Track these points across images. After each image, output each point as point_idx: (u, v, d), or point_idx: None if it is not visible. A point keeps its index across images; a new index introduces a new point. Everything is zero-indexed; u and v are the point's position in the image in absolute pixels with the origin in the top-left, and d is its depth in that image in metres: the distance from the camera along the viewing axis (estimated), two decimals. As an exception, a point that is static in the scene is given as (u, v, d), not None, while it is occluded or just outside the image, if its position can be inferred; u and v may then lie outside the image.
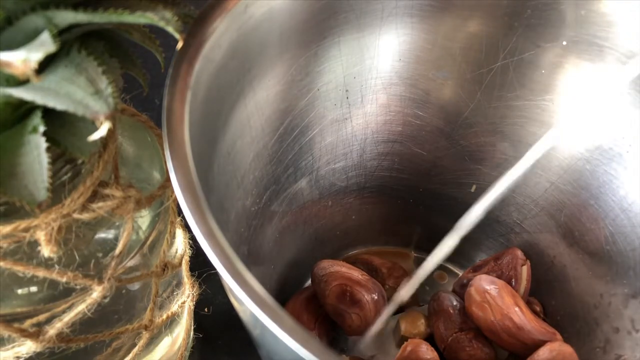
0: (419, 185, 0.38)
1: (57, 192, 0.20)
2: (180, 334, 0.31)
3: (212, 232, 0.19)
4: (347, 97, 0.34)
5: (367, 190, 0.38)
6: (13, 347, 0.22)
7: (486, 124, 0.35)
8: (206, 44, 0.23)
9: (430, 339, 0.34)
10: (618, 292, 0.33)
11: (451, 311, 0.34)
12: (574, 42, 0.31)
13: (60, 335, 0.22)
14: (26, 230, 0.19)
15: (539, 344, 0.32)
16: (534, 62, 0.33)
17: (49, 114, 0.18)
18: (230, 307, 0.25)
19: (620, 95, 0.31)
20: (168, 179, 0.22)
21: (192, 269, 0.29)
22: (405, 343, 0.33)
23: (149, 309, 0.26)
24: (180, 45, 0.23)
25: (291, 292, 0.37)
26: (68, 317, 0.22)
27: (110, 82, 0.17)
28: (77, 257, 0.22)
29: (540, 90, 0.33)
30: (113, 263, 0.22)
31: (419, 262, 0.40)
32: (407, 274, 0.38)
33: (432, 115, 0.35)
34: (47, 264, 0.21)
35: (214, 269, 0.19)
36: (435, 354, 0.32)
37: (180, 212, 0.21)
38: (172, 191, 0.24)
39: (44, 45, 0.16)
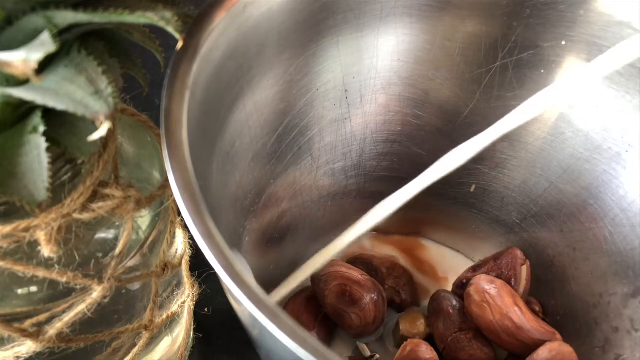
0: (418, 185, 0.38)
1: (57, 192, 0.20)
2: (180, 334, 0.31)
3: (211, 232, 0.19)
4: (346, 97, 0.34)
5: (367, 190, 0.38)
6: (13, 347, 0.22)
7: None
8: (205, 44, 0.23)
9: (429, 339, 0.34)
10: (617, 292, 0.33)
11: (451, 311, 0.34)
12: (573, 42, 0.31)
13: (60, 335, 0.22)
14: (26, 230, 0.19)
15: (539, 344, 0.32)
16: (534, 62, 0.33)
17: (49, 114, 0.18)
18: (230, 307, 0.25)
19: (619, 97, 0.31)
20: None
21: (192, 269, 0.29)
22: (405, 343, 0.33)
23: (149, 309, 0.26)
24: (179, 45, 0.23)
25: (291, 292, 0.37)
26: (68, 317, 0.22)
27: (110, 82, 0.17)
28: (77, 257, 0.22)
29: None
30: (113, 263, 0.22)
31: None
32: (407, 273, 0.38)
33: (431, 115, 0.35)
34: (47, 264, 0.21)
35: (214, 269, 0.19)
36: (435, 354, 0.32)
37: (180, 212, 0.21)
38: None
39: (44, 45, 0.16)
